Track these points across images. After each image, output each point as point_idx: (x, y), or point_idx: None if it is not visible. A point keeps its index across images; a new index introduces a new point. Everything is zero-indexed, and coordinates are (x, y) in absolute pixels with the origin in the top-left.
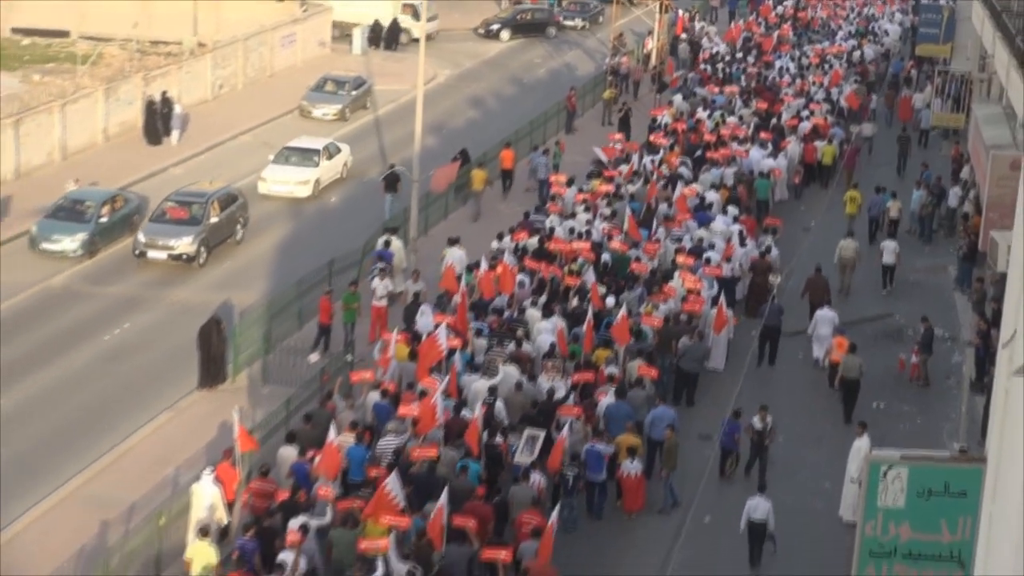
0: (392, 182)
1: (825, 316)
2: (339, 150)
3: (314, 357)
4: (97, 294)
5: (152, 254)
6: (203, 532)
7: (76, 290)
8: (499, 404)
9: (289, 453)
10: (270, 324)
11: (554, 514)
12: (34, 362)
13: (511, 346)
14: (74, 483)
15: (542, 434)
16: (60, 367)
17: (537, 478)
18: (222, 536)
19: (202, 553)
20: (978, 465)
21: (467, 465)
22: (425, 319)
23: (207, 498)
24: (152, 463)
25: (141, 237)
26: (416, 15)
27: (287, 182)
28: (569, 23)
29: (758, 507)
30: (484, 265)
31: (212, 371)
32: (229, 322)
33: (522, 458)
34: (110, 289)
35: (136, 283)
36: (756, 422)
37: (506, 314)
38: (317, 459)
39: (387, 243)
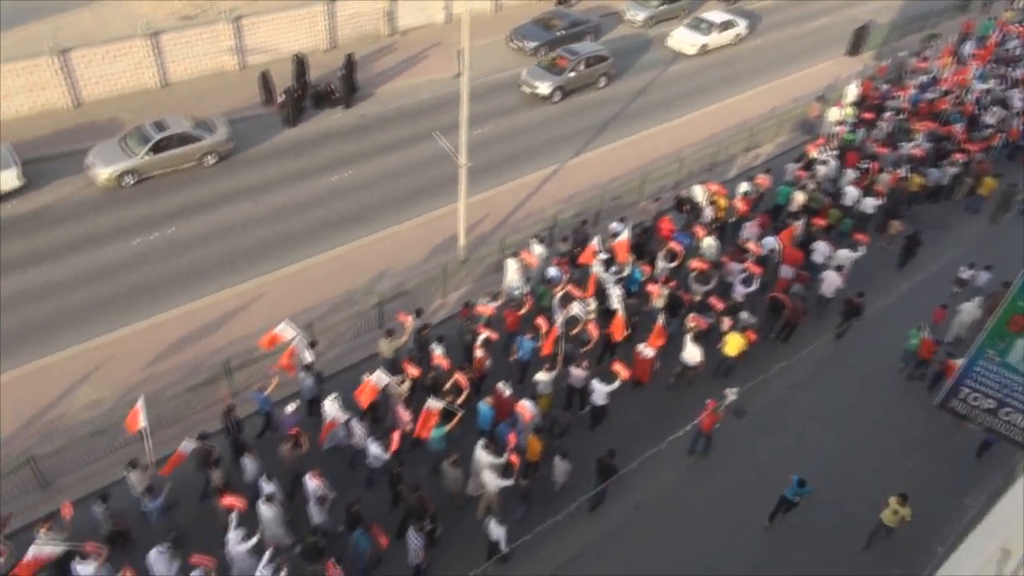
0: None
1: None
2: (735, 25)
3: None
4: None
5: (524, 89)
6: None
7: (650, 36)
8: None
9: None
10: None
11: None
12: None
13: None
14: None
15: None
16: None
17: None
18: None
19: None
20: None
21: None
22: None
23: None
24: None
25: (523, 75)
26: None
27: (683, 43)
28: None
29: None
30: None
31: None
32: None
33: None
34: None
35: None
36: None
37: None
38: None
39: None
